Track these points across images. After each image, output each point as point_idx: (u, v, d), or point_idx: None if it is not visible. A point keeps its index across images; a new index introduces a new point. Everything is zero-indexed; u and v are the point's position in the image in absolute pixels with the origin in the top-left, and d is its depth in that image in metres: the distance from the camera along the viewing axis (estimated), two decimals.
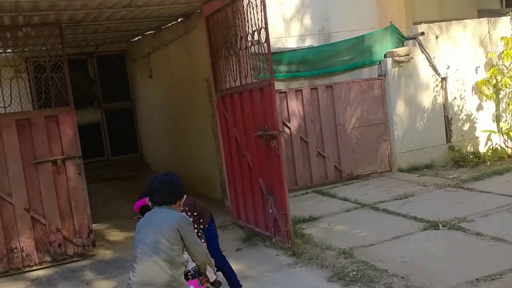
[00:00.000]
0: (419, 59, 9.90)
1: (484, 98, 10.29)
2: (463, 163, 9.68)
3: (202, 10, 7.99)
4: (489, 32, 10.33)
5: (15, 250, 6.74)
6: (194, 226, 3.71)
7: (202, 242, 4.30)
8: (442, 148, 10.15)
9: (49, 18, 7.37)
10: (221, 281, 3.72)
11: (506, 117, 10.39)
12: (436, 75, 10.04)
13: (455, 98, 10.19)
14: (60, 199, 6.95)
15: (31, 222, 6.80)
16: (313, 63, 9.58)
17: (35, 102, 7.65)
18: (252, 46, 6.54)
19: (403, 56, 9.77)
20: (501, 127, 10.27)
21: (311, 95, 9.41)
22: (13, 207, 6.71)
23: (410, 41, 9.92)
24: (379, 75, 9.88)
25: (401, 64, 9.78)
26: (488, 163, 9.61)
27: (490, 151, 10.12)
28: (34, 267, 6.86)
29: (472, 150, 10.21)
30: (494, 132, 10.31)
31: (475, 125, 10.36)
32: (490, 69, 10.11)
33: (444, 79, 10.11)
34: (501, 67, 10.12)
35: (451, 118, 10.18)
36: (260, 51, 6.39)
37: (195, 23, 8.79)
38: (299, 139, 9.31)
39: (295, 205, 7.52)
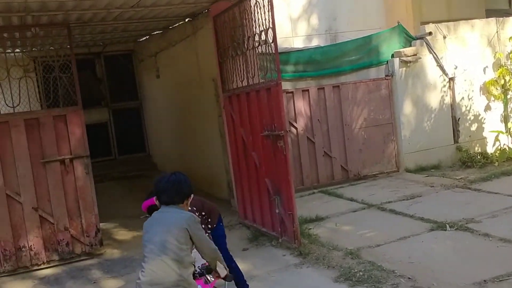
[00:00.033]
0: (427, 59, 9.86)
1: (492, 98, 10.24)
2: (471, 163, 9.64)
3: (209, 10, 8.01)
4: (497, 32, 10.27)
5: (23, 249, 6.79)
6: (202, 226, 3.71)
7: None
8: (450, 148, 10.11)
9: (57, 18, 7.41)
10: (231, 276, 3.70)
11: None
12: (443, 75, 10.00)
13: (462, 98, 10.15)
14: (68, 198, 7.00)
15: (39, 221, 6.85)
16: (320, 63, 9.57)
17: (44, 102, 7.68)
18: (259, 46, 6.54)
19: (410, 56, 9.75)
20: (509, 127, 10.20)
21: (318, 95, 9.40)
22: (22, 206, 6.76)
23: (418, 41, 9.89)
24: (386, 75, 9.85)
25: (408, 64, 9.75)
26: (496, 164, 9.56)
27: (498, 152, 10.07)
28: (42, 266, 6.90)
29: (479, 150, 10.17)
30: (502, 133, 10.25)
31: (483, 125, 10.31)
32: (498, 69, 10.06)
33: (451, 79, 10.07)
34: (509, 67, 10.07)
35: (459, 118, 10.13)
36: (267, 51, 6.39)
37: (202, 23, 8.81)
38: (306, 139, 9.31)
39: (301, 205, 7.52)
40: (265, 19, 6.25)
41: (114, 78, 14.47)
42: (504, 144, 10.24)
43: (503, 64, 10.10)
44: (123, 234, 8.25)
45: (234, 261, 5.03)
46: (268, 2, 6.11)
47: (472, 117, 10.23)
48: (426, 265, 5.37)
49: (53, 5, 6.70)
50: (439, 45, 9.91)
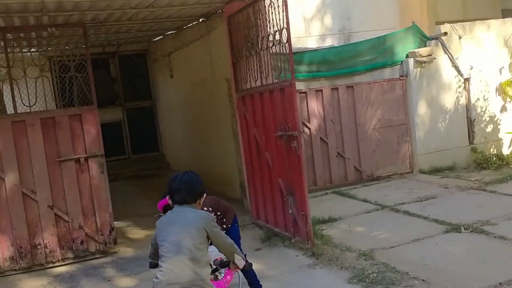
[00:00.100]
0: (442, 59, 9.78)
1: (508, 99, 10.13)
2: (486, 165, 9.54)
3: (223, 10, 8.03)
4: None
5: (38, 246, 6.86)
6: None
7: None
8: (465, 149, 10.02)
9: (73, 18, 7.49)
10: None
11: None
12: (459, 75, 9.91)
13: (478, 99, 10.05)
14: (83, 197, 7.06)
15: (55, 219, 6.92)
16: (334, 63, 9.54)
17: (59, 101, 7.76)
18: (273, 46, 6.54)
19: (425, 56, 9.67)
20: None
21: (332, 95, 9.37)
22: (37, 204, 6.83)
23: (433, 41, 9.81)
24: (400, 76, 9.79)
25: (423, 65, 9.68)
26: None
27: None
28: (57, 263, 6.97)
29: (495, 152, 10.06)
30: None
31: (499, 126, 10.20)
32: None
33: (467, 80, 9.98)
34: None
35: (474, 119, 10.03)
36: (281, 51, 6.39)
37: (216, 23, 8.83)
38: (319, 140, 9.28)
39: (314, 206, 7.50)
40: (279, 19, 6.25)
41: (128, 78, 14.59)
42: None
43: None
44: (136, 233, 8.30)
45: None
46: (282, 2, 6.10)
47: (487, 118, 10.13)
48: (441, 267, 5.32)
49: (69, 5, 6.77)
50: (455, 45, 9.82)
